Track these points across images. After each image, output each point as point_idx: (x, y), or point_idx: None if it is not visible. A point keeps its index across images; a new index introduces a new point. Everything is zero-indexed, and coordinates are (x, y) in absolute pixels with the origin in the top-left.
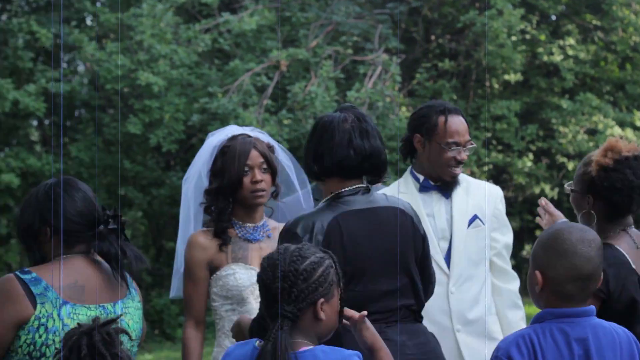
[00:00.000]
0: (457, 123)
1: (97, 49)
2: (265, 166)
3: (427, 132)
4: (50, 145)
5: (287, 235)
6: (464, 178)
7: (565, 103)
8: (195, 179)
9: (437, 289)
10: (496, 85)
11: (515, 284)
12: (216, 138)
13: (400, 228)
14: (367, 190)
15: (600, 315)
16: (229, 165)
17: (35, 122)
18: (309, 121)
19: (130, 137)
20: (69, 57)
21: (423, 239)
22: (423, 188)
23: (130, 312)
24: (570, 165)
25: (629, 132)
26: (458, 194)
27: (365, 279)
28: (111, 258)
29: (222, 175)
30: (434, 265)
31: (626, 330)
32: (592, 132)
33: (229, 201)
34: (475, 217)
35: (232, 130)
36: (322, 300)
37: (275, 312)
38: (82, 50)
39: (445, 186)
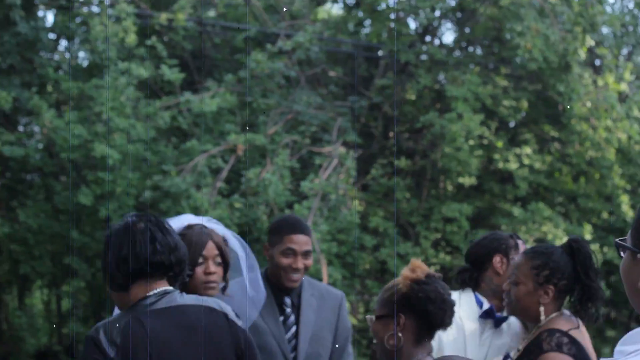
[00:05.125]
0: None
1: (55, 116)
2: (219, 260)
3: (508, 252)
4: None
5: (89, 342)
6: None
7: (516, 211)
8: None
9: None
10: (450, 187)
11: None
12: (173, 225)
13: (213, 326)
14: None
15: None
16: None
17: None
18: (261, 207)
19: (80, 208)
20: (26, 121)
21: (244, 332)
22: (486, 314)
23: None
24: None
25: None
26: (503, 328)
27: None
28: None
29: None
30: None
31: None
32: (541, 242)
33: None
34: (508, 356)
35: (188, 219)
36: None
37: None
38: (39, 116)
39: (503, 317)
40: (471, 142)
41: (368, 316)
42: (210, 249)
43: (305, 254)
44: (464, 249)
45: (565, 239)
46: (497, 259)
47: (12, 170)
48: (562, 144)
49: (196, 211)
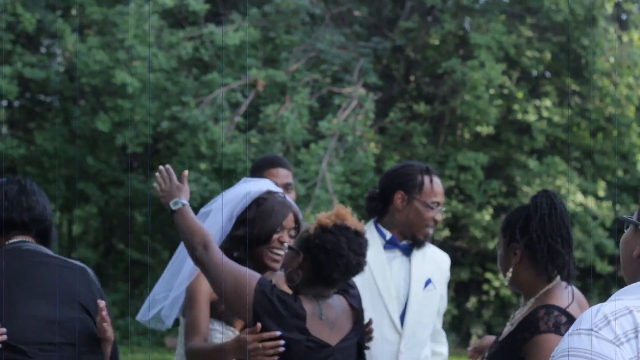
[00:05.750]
0: (439, 184)
1: (78, 41)
2: (292, 233)
3: (411, 189)
4: (17, 129)
5: None
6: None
7: (532, 163)
8: (213, 214)
9: (387, 347)
10: (467, 136)
11: (445, 346)
12: (253, 187)
13: (60, 269)
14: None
15: None
16: (263, 218)
17: (5, 103)
18: (277, 144)
19: (97, 134)
20: (48, 44)
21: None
22: (388, 245)
23: None
24: None
25: (591, 201)
26: (416, 256)
27: None
28: None
29: (254, 224)
30: (388, 323)
31: None
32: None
33: (245, 253)
34: (429, 281)
35: (267, 184)
36: None
37: None
38: (62, 39)
39: (413, 245)
40: (491, 91)
41: (285, 243)
42: (290, 221)
43: (286, 187)
44: (477, 199)
45: (578, 195)
46: (397, 196)
47: (32, 92)
48: (582, 99)
49: (213, 144)
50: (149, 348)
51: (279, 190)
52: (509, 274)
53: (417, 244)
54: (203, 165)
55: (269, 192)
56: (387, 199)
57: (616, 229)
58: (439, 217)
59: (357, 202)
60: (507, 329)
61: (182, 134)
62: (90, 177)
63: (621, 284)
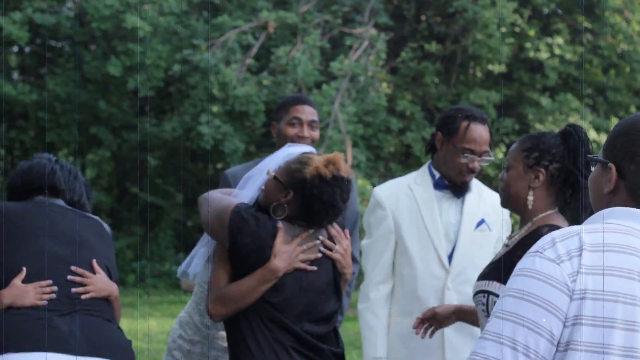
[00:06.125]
0: (480, 131)
1: None
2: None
3: (448, 133)
4: (28, 74)
5: None
6: (476, 184)
7: (544, 100)
8: (253, 179)
9: (435, 283)
10: (479, 74)
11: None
12: (295, 150)
13: (78, 217)
14: None
15: None
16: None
17: (16, 49)
18: (289, 86)
19: (108, 78)
20: None
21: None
22: (437, 185)
23: None
24: None
25: (604, 138)
26: (470, 197)
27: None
28: None
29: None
30: (436, 259)
31: None
32: None
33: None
34: (482, 221)
35: (307, 148)
36: None
37: None
38: None
39: (456, 189)
40: (503, 30)
41: (269, 169)
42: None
43: (311, 124)
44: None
45: (591, 132)
46: (438, 137)
47: (43, 38)
48: (594, 36)
49: (224, 87)
50: (163, 290)
51: (314, 151)
52: (530, 198)
53: (455, 188)
54: (215, 108)
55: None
56: (433, 139)
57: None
58: (475, 165)
59: (369, 142)
60: (502, 250)
61: (193, 77)
62: (102, 122)
63: None
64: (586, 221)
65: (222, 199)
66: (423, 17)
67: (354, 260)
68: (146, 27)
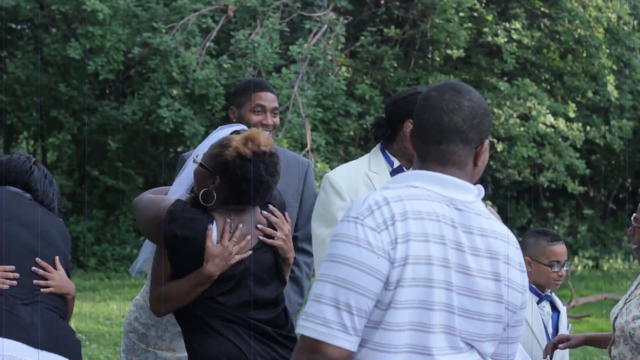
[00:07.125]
0: None
1: None
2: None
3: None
4: None
5: None
6: None
7: (502, 85)
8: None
9: None
10: (438, 59)
11: None
12: (224, 133)
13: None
14: None
15: None
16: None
17: None
18: (249, 69)
19: (68, 61)
20: None
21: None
22: (395, 172)
23: None
24: (499, 147)
25: (561, 123)
26: None
27: None
28: None
29: None
30: None
31: None
32: (525, 118)
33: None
34: None
35: (238, 127)
36: None
37: None
38: None
39: None
40: (461, 14)
41: (195, 156)
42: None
43: (274, 111)
44: None
45: (549, 116)
46: (407, 124)
47: (2, 20)
48: (552, 21)
49: (184, 70)
50: (126, 274)
51: (246, 129)
52: None
53: None
54: (175, 91)
55: (236, 132)
56: (395, 126)
57: (586, 150)
58: None
59: (328, 126)
60: None
61: (153, 60)
62: (62, 105)
63: (592, 204)
64: (392, 179)
65: (154, 202)
66: (382, 2)
67: (306, 252)
68: (106, 10)
